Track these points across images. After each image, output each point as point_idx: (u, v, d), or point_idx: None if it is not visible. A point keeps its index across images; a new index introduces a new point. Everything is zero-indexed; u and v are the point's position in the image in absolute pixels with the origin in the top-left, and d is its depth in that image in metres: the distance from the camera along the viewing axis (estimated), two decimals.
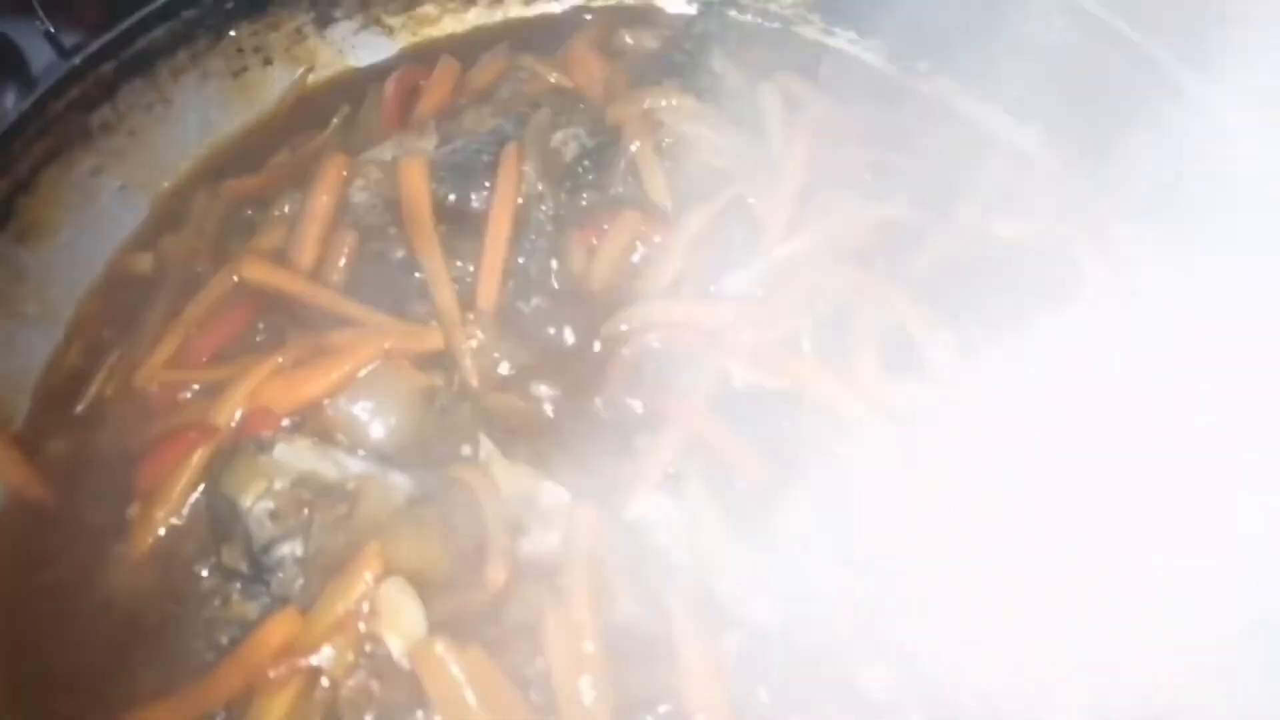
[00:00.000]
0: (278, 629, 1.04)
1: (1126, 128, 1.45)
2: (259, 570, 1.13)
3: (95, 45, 1.42)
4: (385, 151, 1.49)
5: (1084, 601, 1.13)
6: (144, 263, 1.49)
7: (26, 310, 1.40)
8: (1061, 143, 1.55)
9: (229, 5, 1.54)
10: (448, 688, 0.99)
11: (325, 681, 1.03)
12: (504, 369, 1.36)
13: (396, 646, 1.03)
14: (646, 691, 1.10)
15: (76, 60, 1.40)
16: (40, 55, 1.86)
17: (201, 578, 1.20)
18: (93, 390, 1.37)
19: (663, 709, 1.09)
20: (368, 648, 1.04)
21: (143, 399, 1.34)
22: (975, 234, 1.45)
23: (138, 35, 1.46)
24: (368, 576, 1.06)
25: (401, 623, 1.04)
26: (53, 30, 2.04)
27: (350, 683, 1.03)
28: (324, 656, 1.03)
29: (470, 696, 0.99)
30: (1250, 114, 1.33)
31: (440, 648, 0.99)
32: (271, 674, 1.01)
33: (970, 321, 1.31)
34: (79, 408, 1.37)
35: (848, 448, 1.16)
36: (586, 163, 1.49)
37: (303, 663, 1.01)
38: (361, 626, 1.04)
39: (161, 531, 1.23)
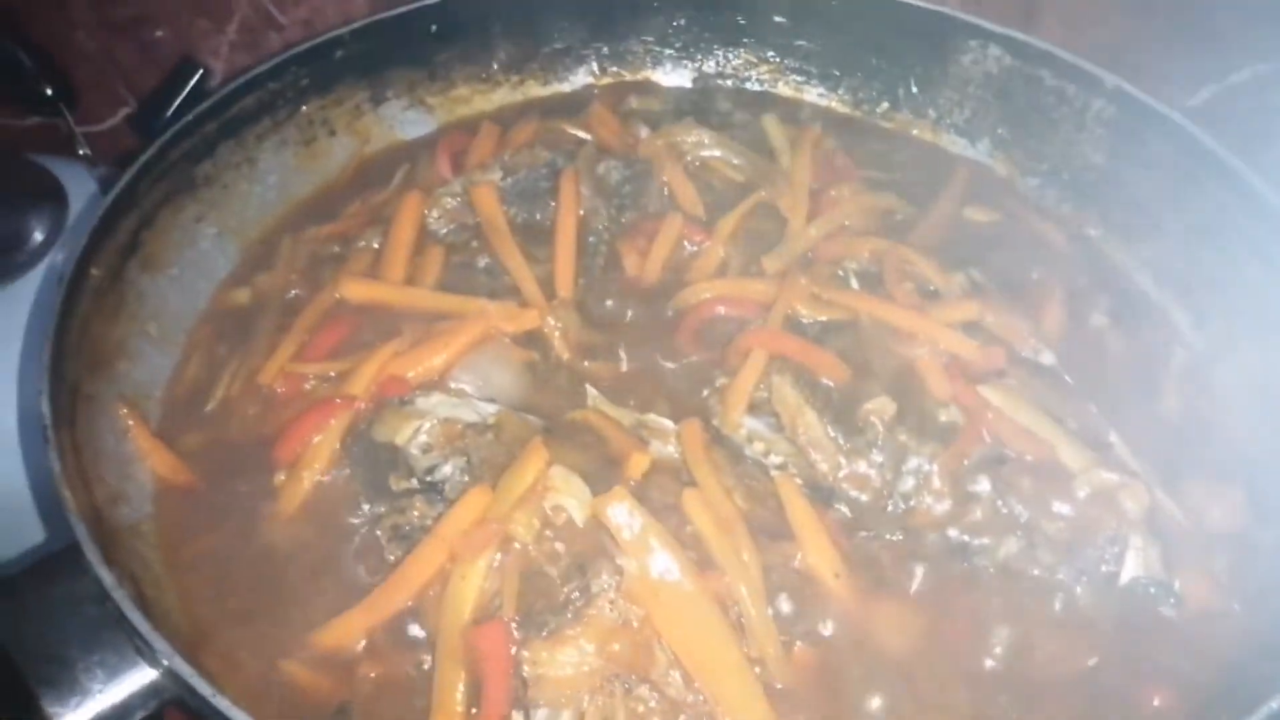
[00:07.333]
0: (474, 500, 1.19)
1: (1058, 131, 1.81)
2: (428, 486, 1.28)
3: (202, 106, 1.63)
4: (454, 187, 1.72)
5: None
6: (243, 296, 1.65)
7: (149, 330, 1.54)
8: (1008, 151, 1.89)
9: (303, 83, 1.78)
10: (632, 531, 1.15)
11: (517, 545, 1.17)
12: (587, 344, 1.56)
13: (575, 509, 1.19)
14: (778, 557, 1.28)
15: (189, 117, 1.61)
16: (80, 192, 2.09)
17: (355, 521, 1.34)
18: (219, 392, 1.50)
19: (795, 564, 1.27)
20: (549, 512, 1.19)
21: (268, 395, 1.49)
22: (954, 219, 1.76)
23: (234, 101, 1.68)
24: (539, 462, 1.22)
25: (575, 492, 1.20)
26: (89, 153, 2.28)
27: (538, 545, 1.18)
28: (514, 523, 1.17)
29: (651, 539, 1.15)
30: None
31: (623, 495, 1.16)
32: (473, 538, 1.15)
33: (970, 269, 1.60)
34: (208, 407, 1.50)
35: (907, 348, 1.40)
36: (628, 187, 1.75)
37: (497, 528, 1.16)
38: (541, 502, 1.20)
39: (309, 488, 1.37)
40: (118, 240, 1.49)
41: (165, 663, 1.01)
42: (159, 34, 2.44)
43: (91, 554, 1.06)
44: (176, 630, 1.24)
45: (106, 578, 1.04)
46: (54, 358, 1.28)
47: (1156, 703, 1.18)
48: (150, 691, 1.06)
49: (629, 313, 1.61)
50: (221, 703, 0.96)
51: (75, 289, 1.37)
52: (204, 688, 0.97)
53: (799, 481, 1.34)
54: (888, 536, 1.33)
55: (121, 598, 1.03)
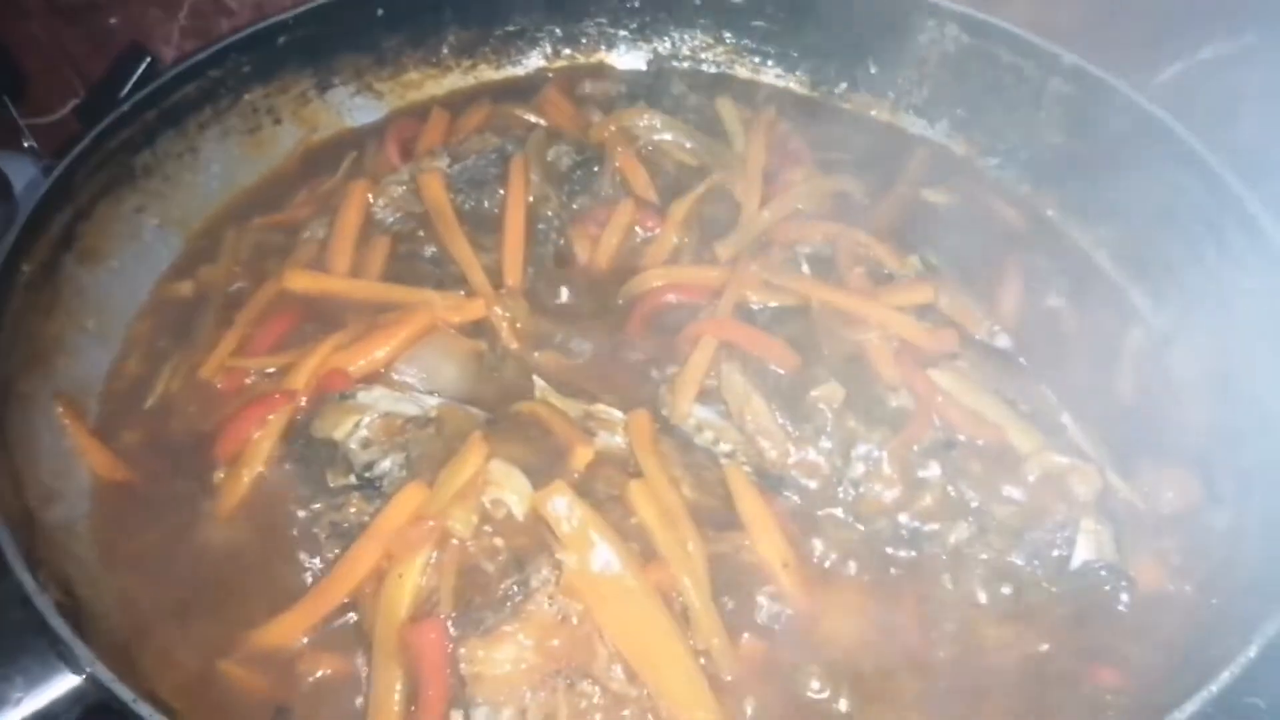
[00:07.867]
0: (409, 497, 1.16)
1: (1016, 110, 1.79)
2: (366, 482, 1.25)
3: (140, 95, 1.59)
4: (402, 175, 1.68)
5: None
6: (185, 289, 1.62)
7: (87, 325, 1.51)
8: (967, 132, 1.86)
9: (245, 70, 1.74)
10: (571, 525, 1.12)
11: (455, 541, 1.15)
12: (536, 333, 1.54)
13: (515, 503, 1.16)
14: (726, 547, 1.26)
15: (126, 106, 1.57)
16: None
17: (295, 518, 1.31)
18: (159, 388, 1.47)
19: (743, 554, 1.25)
20: (488, 507, 1.17)
21: (208, 390, 1.46)
22: (911, 200, 1.74)
23: (173, 90, 1.64)
24: (478, 456, 1.20)
25: (514, 486, 1.18)
26: (35, 145, 2.24)
27: (477, 540, 1.15)
28: (451, 518, 1.15)
29: (592, 533, 1.13)
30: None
31: (563, 488, 1.13)
32: (409, 535, 1.12)
33: (926, 252, 1.58)
34: (148, 403, 1.47)
35: (857, 333, 1.38)
36: (579, 172, 1.72)
37: (434, 524, 1.13)
38: (480, 496, 1.18)
39: (248, 484, 1.34)
40: (52, 234, 1.45)
41: (88, 669, 0.98)
42: (111, 21, 2.39)
43: (14, 558, 1.03)
44: (113, 630, 1.22)
45: (29, 582, 1.01)
46: None
47: (1105, 685, 1.17)
48: (75, 697, 1.03)
49: (579, 301, 1.59)
50: (143, 708, 0.94)
51: (5, 285, 1.34)
52: (125, 693, 0.95)
53: (748, 470, 1.32)
54: (838, 522, 1.31)
55: (44, 603, 1.00)
